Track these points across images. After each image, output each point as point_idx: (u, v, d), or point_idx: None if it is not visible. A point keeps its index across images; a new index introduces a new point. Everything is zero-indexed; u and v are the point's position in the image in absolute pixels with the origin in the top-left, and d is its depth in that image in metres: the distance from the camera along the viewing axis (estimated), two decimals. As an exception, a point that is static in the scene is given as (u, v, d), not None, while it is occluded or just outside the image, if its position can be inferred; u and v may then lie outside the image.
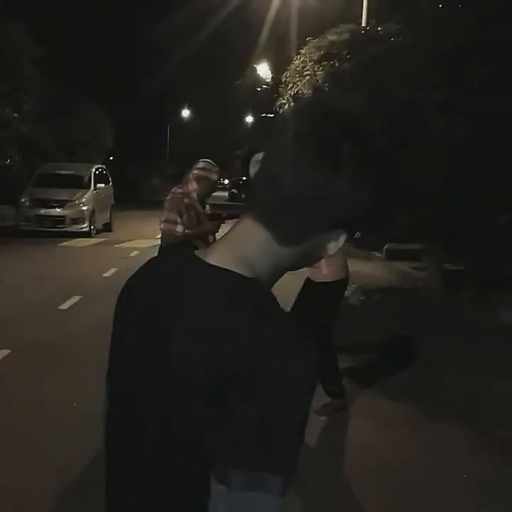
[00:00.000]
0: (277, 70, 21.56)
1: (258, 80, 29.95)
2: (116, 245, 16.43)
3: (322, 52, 14.89)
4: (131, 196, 31.90)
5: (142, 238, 16.67)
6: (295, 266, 1.09)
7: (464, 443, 4.98)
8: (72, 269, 12.45)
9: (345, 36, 14.85)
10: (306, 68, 15.15)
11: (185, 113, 62.61)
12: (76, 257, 14.41)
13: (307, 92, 14.21)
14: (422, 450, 4.88)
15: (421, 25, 12.13)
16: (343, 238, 1.06)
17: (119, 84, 34.32)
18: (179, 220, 5.10)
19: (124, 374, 1.08)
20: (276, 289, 1.05)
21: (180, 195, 5.21)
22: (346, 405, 5.49)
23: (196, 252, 1.07)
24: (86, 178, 19.24)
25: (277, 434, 0.88)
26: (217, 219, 5.41)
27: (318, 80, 14.43)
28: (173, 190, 5.37)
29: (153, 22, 33.13)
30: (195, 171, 5.30)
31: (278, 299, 1.01)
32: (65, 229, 17.65)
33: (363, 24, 16.47)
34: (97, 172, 20.08)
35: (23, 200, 17.97)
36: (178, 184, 5.44)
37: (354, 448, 4.89)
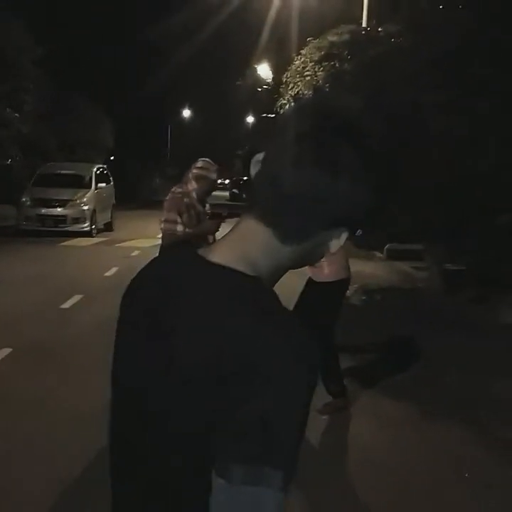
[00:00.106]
0: (278, 70, 21.59)
1: (258, 80, 30.00)
2: (117, 245, 16.44)
3: (323, 52, 14.90)
4: (132, 196, 31.90)
5: (143, 238, 16.67)
6: (297, 264, 1.09)
7: (464, 443, 4.98)
8: (74, 268, 12.46)
9: (346, 37, 14.86)
10: (307, 68, 15.17)
11: (186, 113, 62.65)
12: (77, 257, 14.40)
13: (308, 92, 14.21)
14: (423, 450, 4.88)
15: (421, 25, 12.11)
16: (344, 236, 1.06)
17: (119, 84, 34.30)
18: (179, 220, 5.11)
19: (127, 373, 1.09)
20: (278, 289, 1.06)
21: (180, 195, 5.21)
22: (348, 405, 5.49)
23: (199, 251, 1.07)
24: (87, 178, 19.23)
25: (277, 434, 0.88)
26: (218, 218, 5.41)
27: (318, 81, 14.43)
28: (172, 189, 5.37)
29: (153, 22, 33.12)
30: (194, 171, 5.30)
31: (280, 299, 1.02)
32: (66, 228, 17.63)
33: (364, 25, 16.48)
34: (98, 172, 20.07)
35: (24, 199, 17.95)
36: (178, 184, 5.45)
37: (355, 447, 4.91)
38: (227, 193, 44.32)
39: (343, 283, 5.24)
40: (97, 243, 16.86)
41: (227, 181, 59.88)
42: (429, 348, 7.32)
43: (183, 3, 33.26)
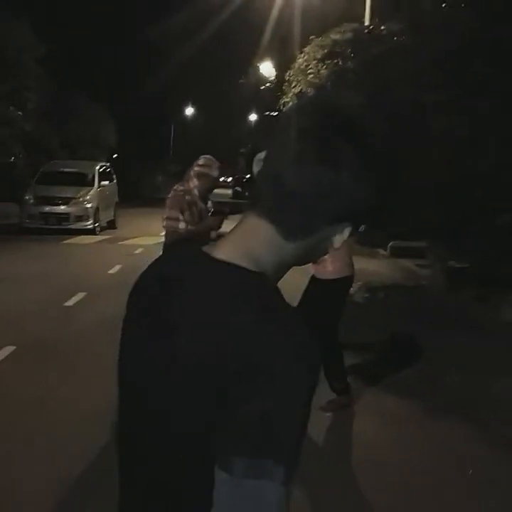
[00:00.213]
0: (281, 68, 21.55)
1: (261, 79, 29.95)
2: (120, 242, 16.46)
3: (325, 50, 14.87)
4: (135, 194, 31.92)
5: (147, 235, 16.68)
6: (300, 261, 1.10)
7: (467, 440, 4.98)
8: (77, 266, 12.46)
9: (349, 35, 14.83)
10: (310, 66, 15.15)
11: (189, 111, 62.60)
12: (80, 255, 14.42)
13: (310, 90, 14.19)
14: (426, 447, 4.88)
15: (424, 24, 12.08)
16: (347, 231, 1.07)
17: (120, 84, 34.25)
18: (181, 217, 5.10)
19: (131, 372, 1.09)
20: (282, 286, 1.06)
21: (182, 193, 5.21)
22: (351, 402, 5.50)
23: (203, 248, 1.08)
24: (90, 176, 19.25)
25: (278, 432, 0.89)
26: (220, 215, 5.41)
27: (321, 78, 14.42)
28: (174, 187, 5.37)
29: (153, 22, 33.01)
30: (195, 168, 5.30)
31: (283, 296, 1.02)
32: (69, 226, 17.64)
33: (366, 23, 16.43)
34: (101, 170, 20.08)
35: (27, 197, 17.98)
36: (180, 181, 5.46)
37: (358, 444, 4.90)
38: (230, 191, 44.31)
39: (347, 280, 5.23)
40: (100, 241, 16.87)
41: (230, 179, 59.81)
42: (431, 346, 7.32)
43: (183, 3, 33.18)
